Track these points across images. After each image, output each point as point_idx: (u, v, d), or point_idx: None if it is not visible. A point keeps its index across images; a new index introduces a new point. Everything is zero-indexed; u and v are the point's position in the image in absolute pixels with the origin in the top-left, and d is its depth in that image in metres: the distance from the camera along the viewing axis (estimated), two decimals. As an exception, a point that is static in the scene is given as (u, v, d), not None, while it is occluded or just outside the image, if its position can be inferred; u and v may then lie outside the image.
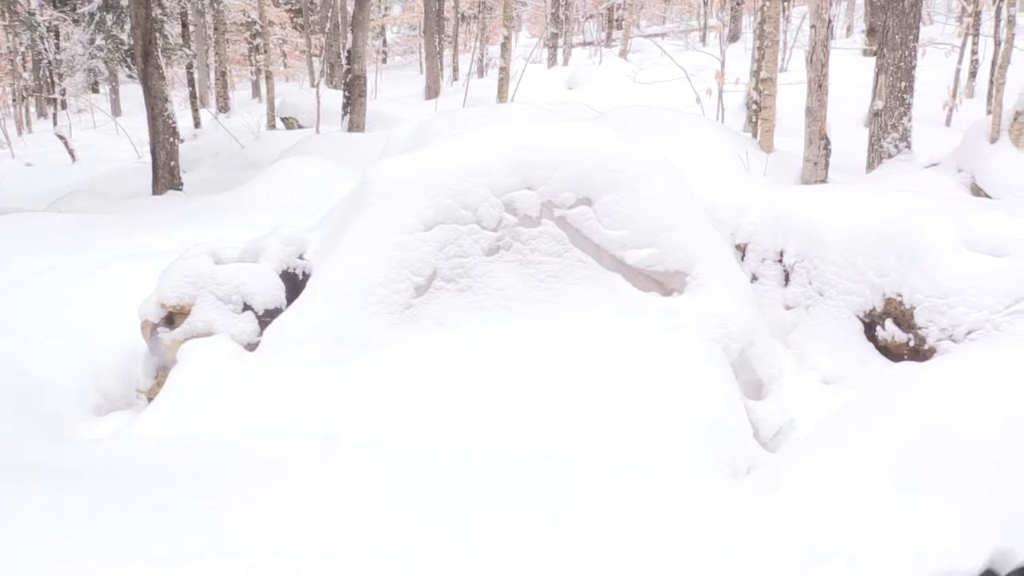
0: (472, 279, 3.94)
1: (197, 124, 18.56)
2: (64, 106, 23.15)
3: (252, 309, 3.97)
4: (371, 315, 3.81)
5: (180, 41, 16.50)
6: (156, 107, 11.33)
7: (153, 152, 11.47)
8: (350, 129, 12.19)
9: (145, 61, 11.16)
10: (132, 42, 11.98)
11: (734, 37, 26.05)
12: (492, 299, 3.93)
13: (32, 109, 27.60)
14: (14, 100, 26.01)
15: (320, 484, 2.85)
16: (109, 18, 13.04)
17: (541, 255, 4.04)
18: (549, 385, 3.56)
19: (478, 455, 3.12)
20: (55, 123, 20.90)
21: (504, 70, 10.66)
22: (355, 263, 3.90)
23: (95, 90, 27.39)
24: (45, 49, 20.70)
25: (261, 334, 3.97)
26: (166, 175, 11.45)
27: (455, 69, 24.47)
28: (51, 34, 20.36)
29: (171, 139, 11.47)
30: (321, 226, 5.45)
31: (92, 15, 12.75)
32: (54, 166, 19.57)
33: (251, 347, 3.91)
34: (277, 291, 4.05)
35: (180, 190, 11.56)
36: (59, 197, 11.20)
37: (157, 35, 11.57)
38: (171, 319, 4.02)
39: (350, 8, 19.59)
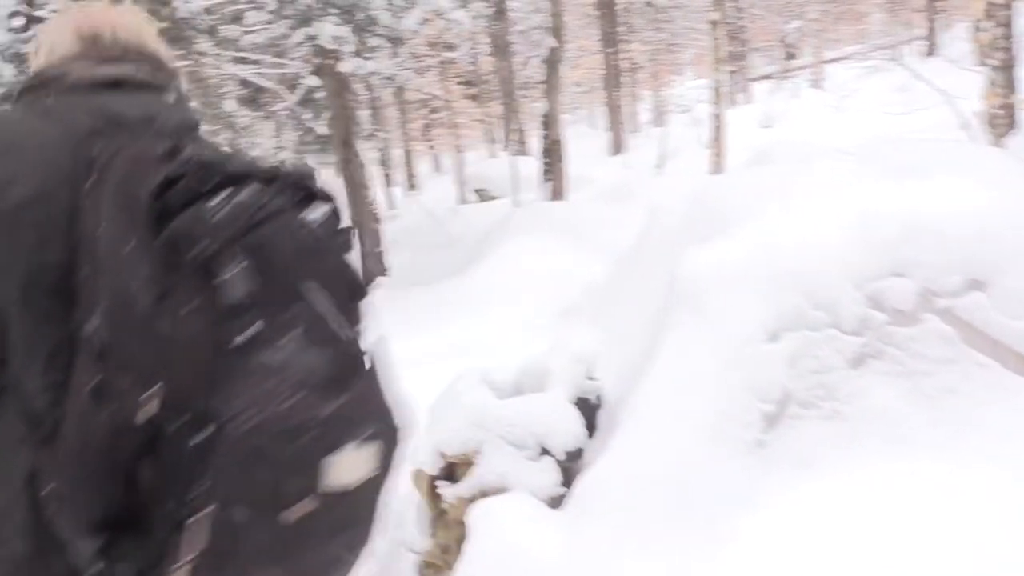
0: (838, 401, 2.97)
1: (391, 205, 18.76)
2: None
3: (550, 453, 3.18)
4: (711, 458, 2.91)
5: (373, 125, 16.69)
6: (358, 195, 11.21)
7: (360, 241, 11.32)
8: (552, 197, 11.59)
9: (345, 150, 11.08)
10: (330, 132, 12.03)
11: (930, 52, 23.95)
12: (868, 426, 2.94)
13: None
14: (218, 197, 27.72)
15: None
16: (306, 113, 13.24)
17: (925, 362, 3.01)
18: (975, 560, 2.51)
19: None
20: (256, 216, 21.84)
21: (719, 116, 9.73)
22: (681, 389, 3.03)
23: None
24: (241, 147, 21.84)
25: (563, 483, 3.17)
26: (373, 263, 11.25)
27: (634, 120, 23.75)
28: (244, 131, 21.46)
29: (375, 226, 11.30)
30: (587, 325, 4.67)
31: (292, 110, 12.98)
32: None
33: (554, 501, 3.11)
34: (577, 428, 3.25)
35: (386, 275, 11.34)
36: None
37: (352, 123, 11.51)
38: (451, 469, 3.30)
39: (521, 75, 19.46)
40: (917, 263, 3.04)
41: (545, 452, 3.17)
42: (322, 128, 13.93)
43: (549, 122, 11.37)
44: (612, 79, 20.38)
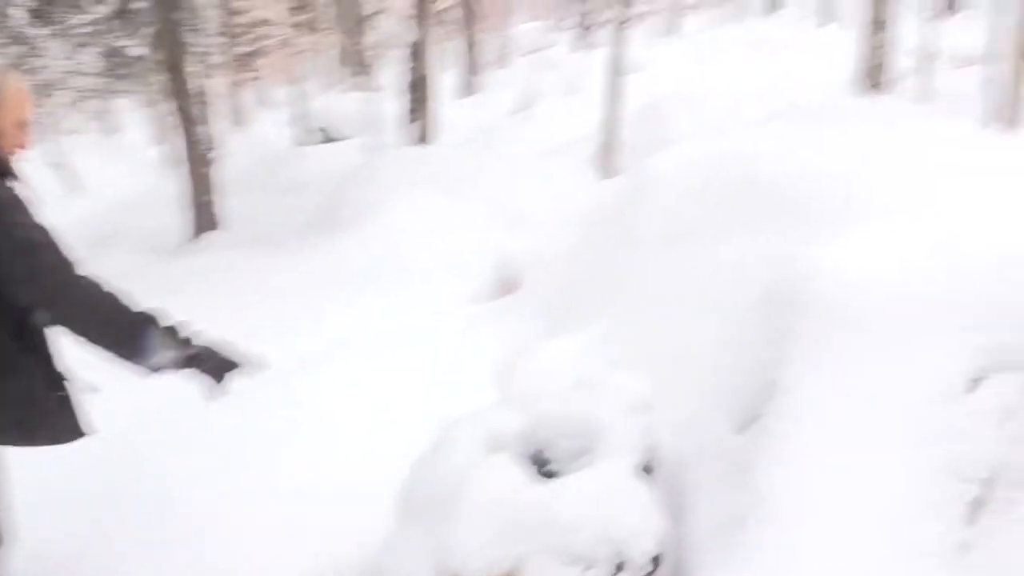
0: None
1: (212, 145, 16.39)
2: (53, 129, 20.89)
3: (627, 568, 2.02)
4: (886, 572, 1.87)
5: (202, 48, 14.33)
6: (190, 133, 9.32)
7: (193, 188, 9.41)
8: (418, 141, 10.19)
9: (174, 77, 9.12)
10: (154, 54, 9.96)
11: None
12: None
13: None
14: None
15: None
16: (116, 26, 10.96)
17: None
18: None
19: None
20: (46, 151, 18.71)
21: (617, 60, 8.70)
22: (833, 465, 1.96)
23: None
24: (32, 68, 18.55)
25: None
26: (203, 215, 9.42)
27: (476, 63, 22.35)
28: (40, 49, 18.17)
29: (204, 170, 9.46)
30: (561, 323, 3.56)
31: (98, 27, 10.67)
32: (57, 198, 17.45)
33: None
34: (660, 521, 2.10)
35: (217, 230, 9.55)
36: (90, 246, 9.08)
37: (182, 44, 9.45)
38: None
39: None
40: None
41: (620, 568, 2.01)
42: (137, 50, 11.66)
43: (418, 53, 9.89)
44: (470, 17, 18.93)
